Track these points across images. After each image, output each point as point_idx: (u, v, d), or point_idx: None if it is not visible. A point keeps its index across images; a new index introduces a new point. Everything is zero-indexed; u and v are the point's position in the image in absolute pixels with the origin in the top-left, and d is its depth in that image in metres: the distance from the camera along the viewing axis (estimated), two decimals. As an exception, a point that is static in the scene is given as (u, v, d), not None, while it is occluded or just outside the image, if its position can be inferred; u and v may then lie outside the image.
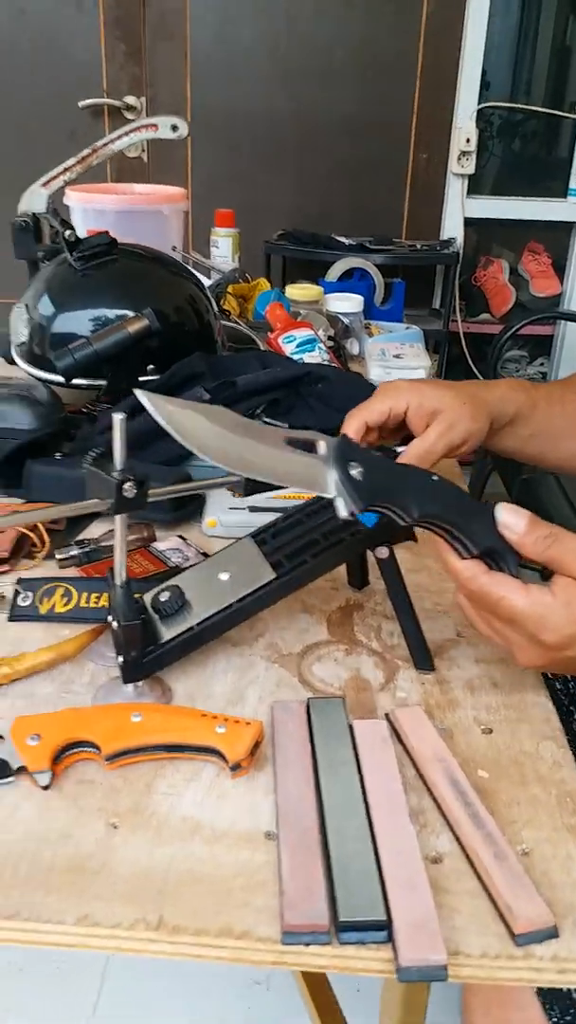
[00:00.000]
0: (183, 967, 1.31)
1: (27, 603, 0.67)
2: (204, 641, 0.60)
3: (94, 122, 2.50)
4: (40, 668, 0.60)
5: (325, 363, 1.15)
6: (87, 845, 0.46)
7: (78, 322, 0.98)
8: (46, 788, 0.49)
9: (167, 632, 0.58)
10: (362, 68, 2.41)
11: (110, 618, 0.59)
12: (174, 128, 1.28)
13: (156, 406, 0.52)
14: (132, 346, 0.94)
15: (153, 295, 1.00)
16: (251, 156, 2.50)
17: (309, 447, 0.55)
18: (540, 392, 0.74)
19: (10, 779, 0.50)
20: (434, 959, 0.39)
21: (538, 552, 0.52)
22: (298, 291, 1.38)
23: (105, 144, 1.30)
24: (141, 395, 0.52)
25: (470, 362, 2.49)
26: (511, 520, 0.53)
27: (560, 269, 2.60)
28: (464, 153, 2.46)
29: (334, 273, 1.90)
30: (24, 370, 1.02)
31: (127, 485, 0.54)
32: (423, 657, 0.62)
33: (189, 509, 0.84)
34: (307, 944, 0.40)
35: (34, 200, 1.31)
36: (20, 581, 0.69)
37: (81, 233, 1.02)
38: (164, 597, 0.60)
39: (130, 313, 0.96)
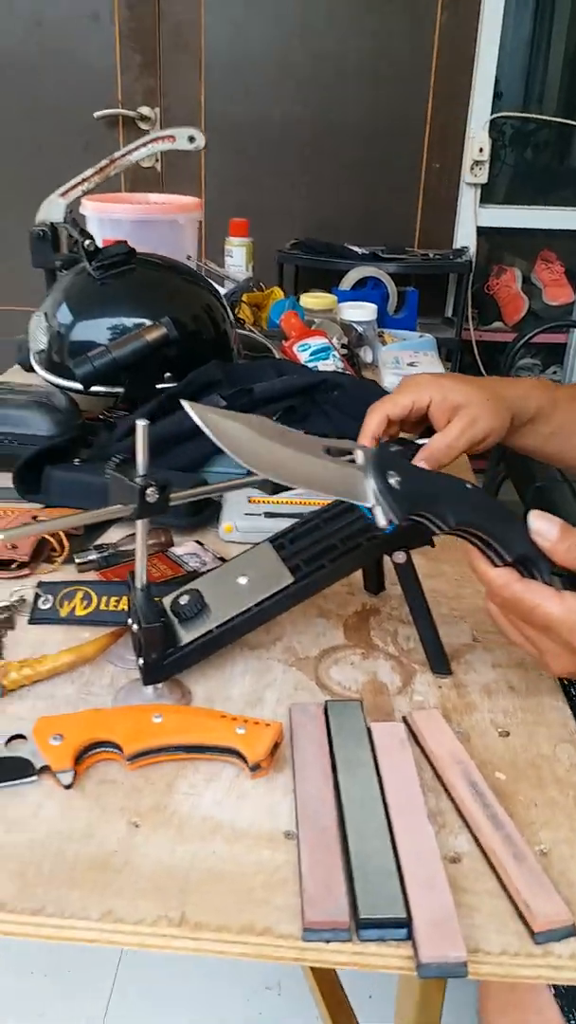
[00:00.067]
0: (194, 972, 1.31)
1: (47, 606, 0.68)
2: (223, 644, 0.60)
3: (109, 132, 2.52)
4: (61, 670, 0.61)
5: (340, 371, 1.16)
6: (109, 843, 0.47)
7: (96, 330, 1.00)
8: (68, 787, 0.50)
9: (186, 635, 0.59)
10: (375, 78, 2.43)
11: (130, 621, 0.60)
12: (191, 139, 1.29)
13: (201, 416, 0.53)
14: (150, 354, 0.95)
15: (170, 304, 1.01)
16: (264, 165, 2.52)
17: (347, 456, 0.56)
18: (562, 391, 0.74)
19: (33, 778, 0.51)
20: (454, 956, 0.39)
21: (571, 560, 0.52)
22: (312, 300, 1.40)
23: (123, 155, 1.32)
24: (187, 406, 0.54)
25: (482, 370, 2.49)
26: (544, 527, 0.53)
27: (573, 277, 2.60)
28: (477, 163, 2.47)
29: (348, 282, 1.92)
30: (43, 377, 1.03)
31: (150, 490, 0.55)
32: (440, 661, 0.62)
33: (205, 515, 0.85)
34: (328, 941, 0.41)
35: (52, 210, 1.33)
36: (40, 584, 0.70)
37: (96, 242, 1.04)
38: (184, 600, 0.60)
39: (148, 322, 0.97)
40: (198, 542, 0.80)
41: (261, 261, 1.73)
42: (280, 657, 0.64)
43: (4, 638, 0.65)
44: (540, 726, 0.57)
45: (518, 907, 0.43)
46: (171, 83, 2.49)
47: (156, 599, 0.59)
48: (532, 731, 0.57)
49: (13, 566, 0.74)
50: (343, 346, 1.28)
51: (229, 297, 1.36)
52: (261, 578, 0.62)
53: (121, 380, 0.96)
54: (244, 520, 0.82)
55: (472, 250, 2.50)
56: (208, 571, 0.68)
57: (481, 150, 2.46)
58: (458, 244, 2.54)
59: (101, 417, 1.04)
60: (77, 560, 0.74)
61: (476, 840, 0.47)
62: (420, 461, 0.62)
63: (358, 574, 0.73)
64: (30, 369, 1.17)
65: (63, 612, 0.67)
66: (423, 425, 0.69)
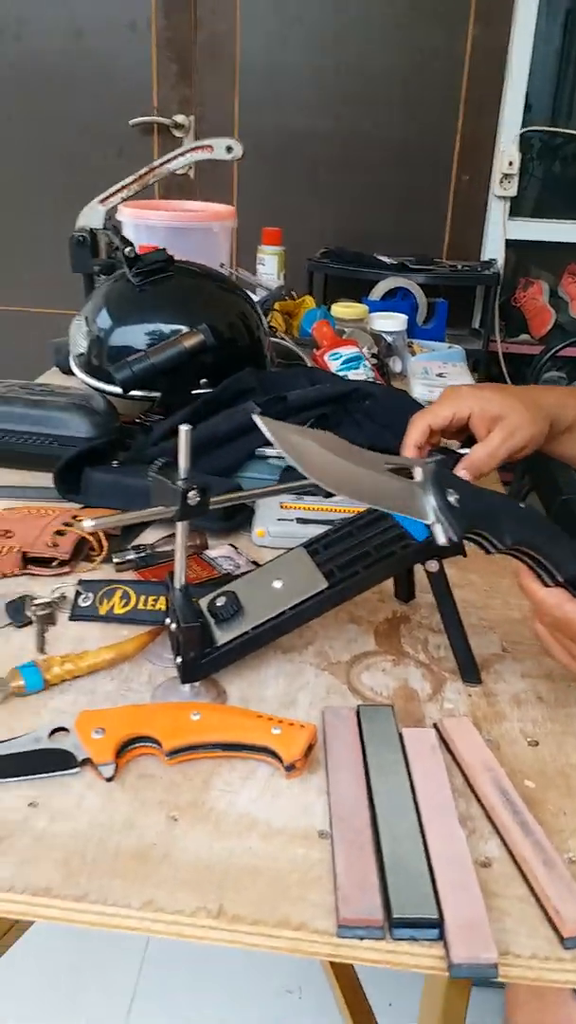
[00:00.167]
0: (215, 974, 1.32)
1: (87, 604, 0.70)
2: (258, 645, 0.62)
3: (143, 139, 2.56)
4: (101, 666, 0.62)
5: (371, 380, 1.18)
6: (149, 835, 0.48)
7: (135, 336, 1.02)
8: (110, 780, 0.52)
9: (223, 636, 0.61)
10: (407, 90, 2.45)
11: (168, 621, 0.62)
12: (229, 149, 1.32)
13: (272, 430, 0.55)
14: (187, 360, 0.97)
15: (207, 311, 1.03)
16: (295, 174, 2.54)
17: (406, 472, 0.58)
18: None
19: (76, 770, 0.52)
20: (485, 957, 0.40)
21: None
22: (344, 309, 1.41)
23: (161, 164, 1.35)
24: (258, 420, 0.55)
25: (509, 382, 2.50)
26: None
27: (601, 292, 2.60)
28: (506, 176, 2.48)
29: (378, 292, 1.93)
30: (82, 380, 1.05)
31: (191, 493, 0.57)
32: (470, 670, 0.63)
33: (238, 520, 0.87)
34: (361, 938, 0.42)
35: (92, 216, 1.36)
36: (81, 582, 0.72)
37: (135, 249, 1.05)
38: (220, 602, 0.62)
39: (185, 328, 0.99)
40: (232, 545, 0.81)
41: (291, 269, 1.75)
42: (312, 661, 0.66)
43: (46, 633, 0.67)
44: (569, 736, 0.58)
45: (548, 913, 0.44)
46: (206, 92, 2.52)
47: (193, 600, 0.61)
48: (561, 741, 0.58)
49: (54, 564, 0.76)
50: (373, 356, 1.30)
51: (262, 305, 1.38)
52: (295, 582, 0.64)
53: (158, 385, 0.98)
54: (276, 525, 0.83)
55: (500, 262, 2.51)
56: (242, 574, 0.69)
57: (511, 163, 2.47)
58: (486, 256, 2.55)
59: (138, 421, 1.06)
60: (115, 560, 0.76)
61: (506, 846, 0.48)
62: (462, 470, 0.64)
63: (389, 582, 0.75)
64: (68, 372, 1.20)
65: (102, 610, 0.69)
66: (464, 434, 0.70)
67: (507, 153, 2.47)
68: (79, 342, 1.06)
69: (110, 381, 0.99)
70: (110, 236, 1.22)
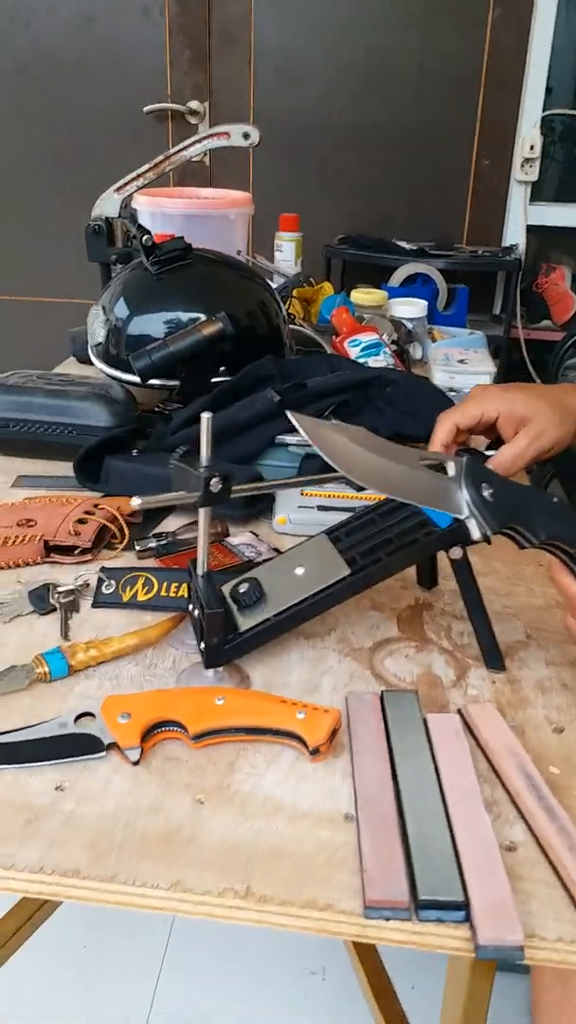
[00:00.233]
0: (239, 956, 1.34)
1: (110, 591, 0.70)
2: (282, 631, 0.62)
3: (157, 126, 2.55)
4: (126, 652, 0.63)
5: (391, 367, 1.17)
6: (176, 818, 0.49)
7: (153, 324, 1.02)
8: (136, 764, 0.52)
9: (246, 622, 0.61)
10: (425, 74, 2.42)
11: (191, 607, 0.62)
12: (246, 136, 1.31)
13: (305, 427, 0.56)
14: (206, 348, 0.97)
15: (226, 299, 1.03)
16: (312, 160, 2.53)
17: (439, 467, 0.58)
18: None
19: (102, 754, 0.53)
20: (511, 939, 0.40)
21: None
22: (363, 295, 1.40)
23: (177, 152, 1.34)
24: (292, 416, 0.56)
25: (530, 369, 2.48)
26: None
27: (622, 276, 2.57)
28: (528, 160, 2.45)
29: (397, 278, 1.92)
30: (101, 369, 1.06)
31: (214, 480, 0.57)
32: (494, 656, 0.63)
33: (259, 507, 0.87)
34: (387, 919, 0.42)
35: (107, 205, 1.36)
36: (103, 570, 0.72)
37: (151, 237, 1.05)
38: (243, 588, 0.62)
39: (204, 316, 0.99)
40: (253, 533, 0.82)
41: (309, 256, 1.74)
42: (335, 647, 0.66)
43: (70, 620, 0.67)
44: (594, 722, 0.58)
45: (573, 896, 0.44)
46: (220, 78, 2.50)
47: (216, 587, 0.61)
48: (586, 727, 0.57)
49: (76, 552, 0.76)
50: (393, 342, 1.29)
51: (280, 292, 1.38)
52: (318, 569, 0.64)
53: (177, 374, 0.99)
54: (297, 512, 0.83)
55: (521, 248, 2.48)
56: (263, 561, 0.69)
57: (532, 148, 2.44)
58: (507, 241, 2.52)
59: (157, 409, 1.06)
60: (137, 547, 0.77)
61: (531, 830, 0.48)
62: None
63: (411, 568, 0.75)
64: (85, 361, 1.20)
65: (125, 597, 0.70)
66: (493, 434, 0.71)
67: (528, 137, 2.44)
68: (97, 331, 1.06)
69: (129, 370, 0.99)
70: (127, 225, 1.22)
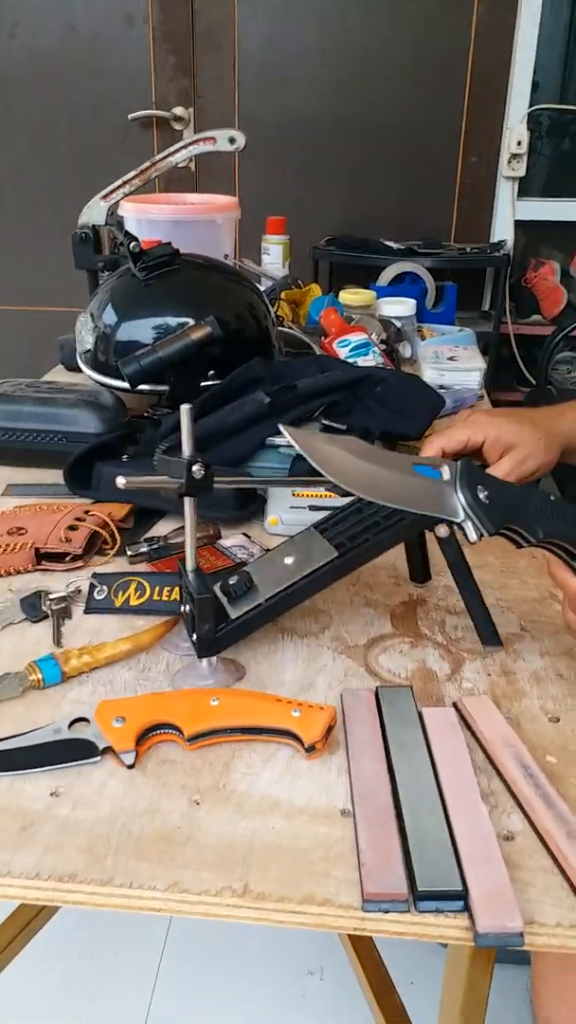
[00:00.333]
0: (237, 957, 1.33)
1: (102, 596, 0.70)
2: (274, 615, 0.62)
3: (143, 133, 2.56)
4: (119, 657, 0.63)
5: (381, 366, 1.17)
6: (172, 819, 0.49)
7: (141, 330, 1.02)
8: (131, 767, 0.52)
9: (236, 612, 0.61)
10: (411, 73, 2.43)
11: (183, 608, 0.62)
12: (231, 140, 1.31)
13: (298, 440, 0.56)
14: (195, 353, 0.97)
15: (214, 303, 1.03)
16: (298, 162, 2.53)
17: (434, 472, 0.58)
18: None
19: (97, 758, 0.53)
20: (511, 926, 0.40)
21: None
22: (351, 296, 1.41)
23: (163, 158, 1.34)
24: (285, 430, 0.56)
25: (520, 364, 2.48)
26: None
27: (612, 269, 2.57)
28: (515, 156, 2.46)
29: (386, 277, 1.92)
30: (90, 376, 1.06)
31: (196, 467, 0.57)
32: (490, 634, 0.62)
33: (251, 509, 0.87)
34: (386, 912, 0.42)
35: (94, 212, 1.36)
36: (95, 576, 0.72)
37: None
38: (232, 581, 0.62)
39: (192, 321, 0.99)
40: (245, 535, 0.82)
41: (296, 258, 1.74)
42: (329, 645, 0.66)
43: (62, 627, 0.67)
44: (589, 711, 0.58)
45: (572, 882, 0.43)
46: (205, 83, 2.51)
47: (207, 582, 0.61)
48: (582, 716, 0.57)
49: (67, 559, 0.76)
50: (382, 342, 1.29)
51: (268, 295, 1.38)
52: (307, 557, 0.64)
53: (166, 379, 0.98)
54: (289, 513, 0.83)
55: (510, 243, 2.49)
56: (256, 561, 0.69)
57: (519, 143, 2.45)
58: (495, 237, 2.53)
59: (146, 415, 1.06)
60: (129, 552, 0.77)
61: (529, 819, 0.48)
62: None
63: (404, 564, 0.75)
64: (73, 369, 1.20)
65: (118, 602, 0.70)
66: (479, 459, 0.72)
67: (515, 133, 2.45)
68: (85, 338, 1.06)
69: (118, 376, 0.99)
70: (113, 232, 1.22)
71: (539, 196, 2.58)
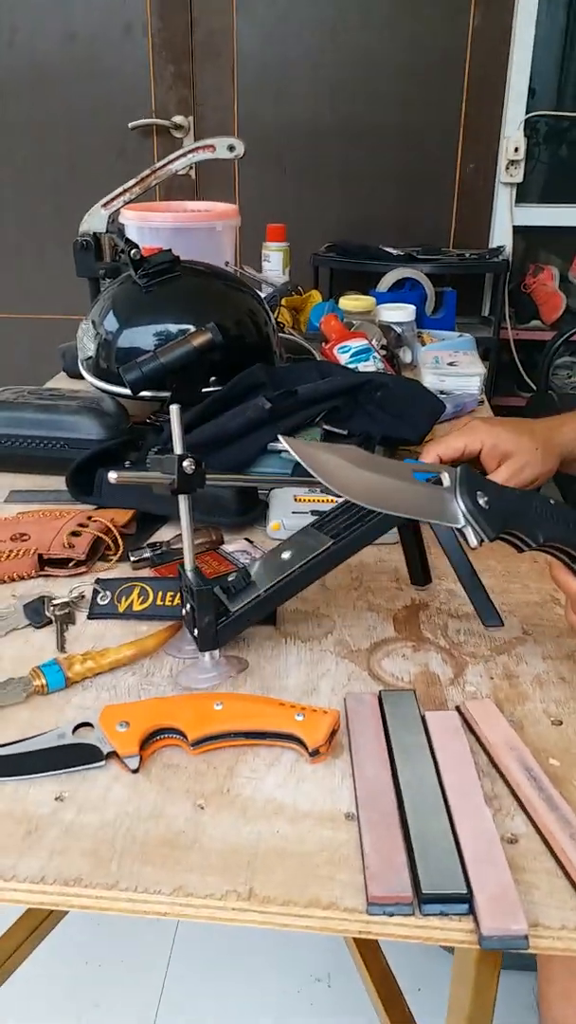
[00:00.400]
0: (244, 963, 1.33)
1: (106, 602, 0.71)
2: (273, 605, 0.63)
3: (143, 142, 2.57)
4: (123, 662, 0.63)
5: (381, 372, 1.18)
6: (177, 823, 0.49)
7: (143, 337, 1.02)
8: (135, 771, 0.52)
9: (236, 606, 0.62)
10: (409, 80, 2.44)
11: (185, 608, 0.63)
12: (231, 148, 1.32)
13: (298, 450, 0.56)
14: (196, 359, 0.97)
15: (215, 309, 1.03)
16: (297, 169, 2.55)
17: (434, 479, 0.58)
18: None
19: (101, 763, 0.53)
20: (515, 929, 0.40)
21: None
22: (351, 302, 1.41)
23: (163, 166, 1.35)
24: (284, 441, 0.57)
25: (521, 369, 2.49)
26: None
27: (610, 274, 2.58)
28: (512, 162, 2.47)
29: (385, 284, 1.93)
30: (92, 383, 1.06)
31: (186, 463, 0.58)
32: (489, 611, 0.62)
33: (253, 514, 0.87)
34: (391, 915, 0.42)
35: (95, 220, 1.37)
36: (98, 581, 0.73)
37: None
38: (231, 578, 0.63)
39: (193, 328, 0.99)
40: (247, 540, 0.82)
41: (296, 265, 1.75)
42: (332, 649, 0.66)
43: (66, 632, 0.67)
44: (592, 714, 0.58)
45: (576, 885, 0.44)
46: (204, 91, 2.52)
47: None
48: (584, 719, 0.57)
49: (71, 565, 0.76)
50: (383, 347, 1.30)
51: (269, 301, 1.39)
52: (303, 550, 0.64)
53: (168, 385, 0.99)
54: (291, 518, 0.84)
55: (508, 249, 2.50)
56: (257, 564, 0.70)
57: (516, 149, 2.46)
58: (494, 243, 2.54)
59: (148, 421, 1.06)
60: (132, 558, 0.77)
61: (532, 822, 0.48)
62: None
63: (405, 569, 0.75)
64: (75, 376, 1.21)
65: (121, 607, 0.70)
66: (477, 467, 0.72)
67: (512, 139, 2.46)
68: (87, 345, 1.06)
69: (119, 383, 0.99)
70: (114, 239, 1.23)
71: (537, 202, 2.59)
